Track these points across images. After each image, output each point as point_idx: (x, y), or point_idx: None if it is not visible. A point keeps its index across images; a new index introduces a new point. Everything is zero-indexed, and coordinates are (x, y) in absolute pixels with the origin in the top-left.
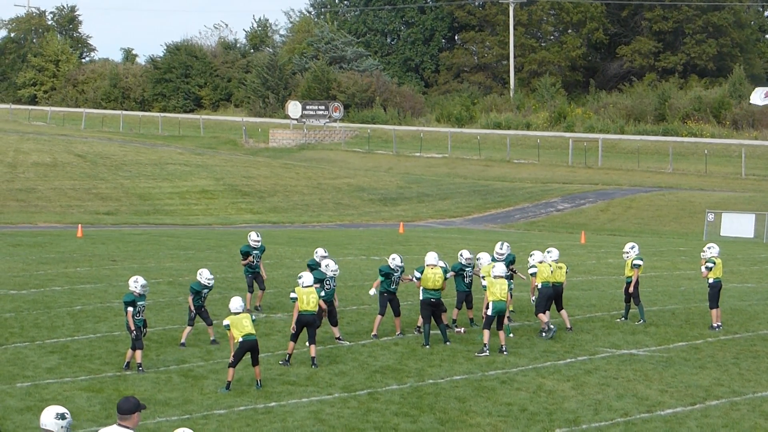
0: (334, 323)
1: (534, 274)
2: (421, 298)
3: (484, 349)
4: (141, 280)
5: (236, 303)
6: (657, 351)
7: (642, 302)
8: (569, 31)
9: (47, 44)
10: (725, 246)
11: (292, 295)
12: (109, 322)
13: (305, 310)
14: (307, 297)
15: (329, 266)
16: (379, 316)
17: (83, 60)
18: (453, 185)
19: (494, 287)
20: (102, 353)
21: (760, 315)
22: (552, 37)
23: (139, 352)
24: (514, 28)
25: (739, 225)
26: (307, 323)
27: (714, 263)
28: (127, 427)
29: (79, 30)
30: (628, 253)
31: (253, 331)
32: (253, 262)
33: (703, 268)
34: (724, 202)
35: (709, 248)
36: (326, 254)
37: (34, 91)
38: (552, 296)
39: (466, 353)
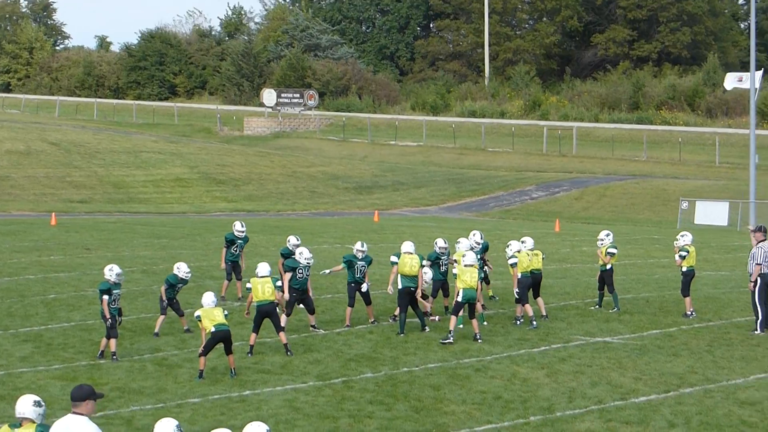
0: (311, 311)
1: (514, 265)
2: (399, 286)
3: (449, 336)
4: (116, 269)
5: (208, 298)
6: (631, 339)
7: (616, 290)
8: (544, 19)
9: (21, 32)
10: (699, 234)
11: (248, 285)
12: (83, 310)
13: (261, 300)
14: (262, 287)
15: (303, 254)
16: (349, 308)
17: (57, 48)
18: (428, 173)
19: (465, 275)
20: (76, 342)
21: (733, 303)
22: (527, 25)
23: (113, 341)
24: (489, 16)
25: (712, 213)
26: (266, 313)
27: (687, 252)
28: (81, 414)
29: (53, 17)
30: (602, 240)
31: (225, 322)
32: (236, 251)
33: (676, 257)
34: (698, 190)
35: (682, 236)
36: (299, 242)
37: (7, 79)
38: (531, 285)
39: (440, 341)
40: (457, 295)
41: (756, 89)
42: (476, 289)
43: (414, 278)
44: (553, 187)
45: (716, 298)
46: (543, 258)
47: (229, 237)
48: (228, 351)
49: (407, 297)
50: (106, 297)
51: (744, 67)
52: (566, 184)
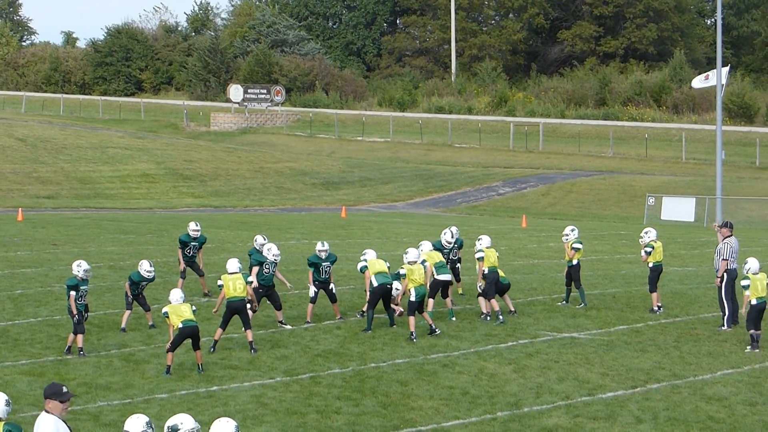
0: (278, 307)
1: (481, 259)
2: (375, 283)
3: (412, 336)
4: (84, 265)
5: (176, 295)
6: (598, 334)
7: (583, 286)
8: (510, 15)
9: None
10: (666, 229)
11: (219, 282)
12: (50, 306)
13: (233, 296)
14: (234, 283)
15: (271, 250)
16: (310, 305)
17: (23, 43)
18: (395, 169)
19: (413, 274)
20: (43, 337)
21: (700, 298)
22: (493, 21)
23: (80, 337)
24: (456, 12)
25: (679, 209)
26: (237, 309)
27: (653, 247)
28: (48, 412)
29: (19, 13)
30: (567, 235)
31: (193, 318)
32: (190, 253)
33: (642, 253)
34: (664, 186)
35: (646, 233)
36: (265, 241)
37: None
38: (498, 280)
39: (408, 336)
40: (410, 295)
41: (722, 85)
42: (425, 286)
43: (386, 275)
44: (520, 183)
45: (683, 294)
46: (498, 256)
47: (184, 238)
48: (196, 347)
49: (380, 295)
50: (73, 293)
51: (710, 63)
52: (533, 180)
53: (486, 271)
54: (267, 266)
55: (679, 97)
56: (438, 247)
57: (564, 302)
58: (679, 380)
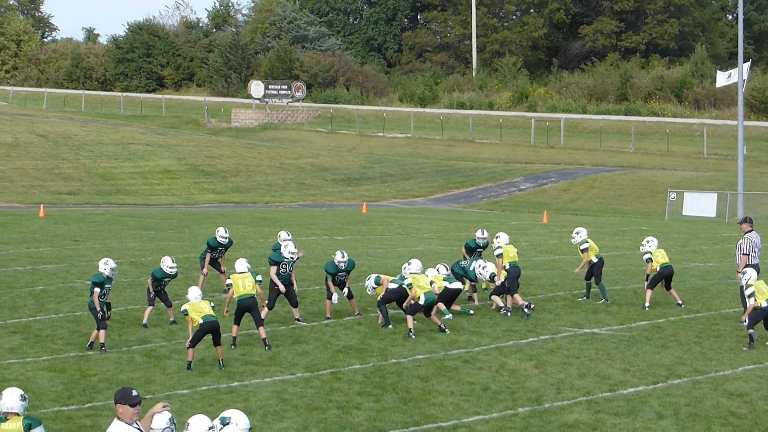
0: (294, 305)
1: (500, 255)
2: (393, 286)
3: (411, 333)
4: (111, 263)
5: (194, 293)
6: (619, 330)
7: (603, 282)
8: (531, 11)
9: (8, 24)
10: (687, 225)
11: (228, 281)
12: (72, 302)
13: (243, 294)
14: (243, 281)
15: (288, 248)
16: (328, 301)
17: (45, 40)
18: (416, 165)
19: (419, 281)
20: (64, 333)
21: (722, 294)
22: (514, 17)
23: (102, 332)
24: (477, 8)
25: (701, 204)
26: (247, 307)
27: (651, 253)
28: (119, 418)
29: (40, 9)
30: (574, 238)
31: (213, 313)
32: (216, 256)
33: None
34: (686, 181)
35: (648, 242)
36: (289, 237)
37: None
38: (518, 275)
39: (428, 333)
40: (419, 299)
41: (744, 81)
42: (434, 292)
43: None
44: (541, 178)
45: (705, 290)
46: (517, 252)
47: (212, 242)
48: (216, 342)
49: (395, 298)
50: (97, 290)
51: (731, 58)
52: (554, 176)
53: (507, 267)
54: (284, 265)
55: (701, 92)
56: (472, 245)
57: (585, 298)
58: (701, 376)
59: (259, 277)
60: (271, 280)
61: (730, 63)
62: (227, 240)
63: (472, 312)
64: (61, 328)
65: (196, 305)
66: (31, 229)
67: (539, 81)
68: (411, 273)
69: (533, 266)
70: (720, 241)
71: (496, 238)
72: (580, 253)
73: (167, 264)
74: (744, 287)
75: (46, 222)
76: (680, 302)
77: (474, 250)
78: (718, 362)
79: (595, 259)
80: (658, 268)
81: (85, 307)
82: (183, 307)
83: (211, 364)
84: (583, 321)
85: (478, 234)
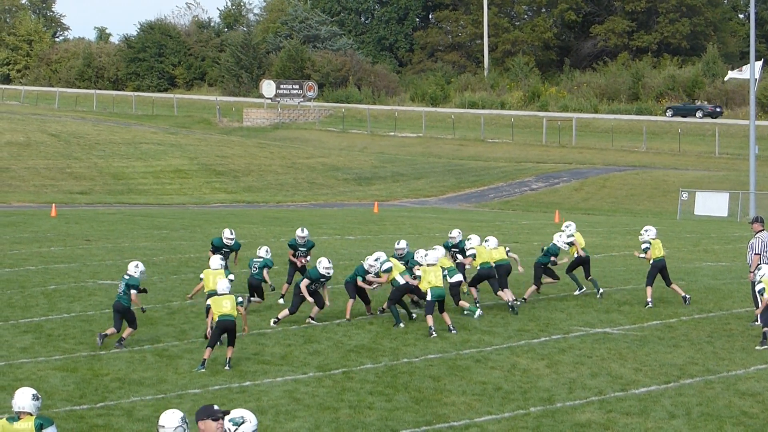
0: (320, 306)
1: (473, 256)
2: (402, 281)
3: (431, 331)
4: (141, 266)
5: (223, 285)
6: (631, 330)
7: (610, 281)
8: (543, 11)
9: (20, 24)
10: (699, 225)
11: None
12: (83, 301)
13: (223, 314)
14: (221, 301)
15: (322, 263)
16: (351, 300)
17: (57, 39)
18: (427, 164)
19: (429, 275)
20: (76, 333)
21: (734, 294)
22: (525, 17)
23: (130, 330)
24: (488, 8)
25: (713, 204)
26: (226, 328)
27: (650, 244)
28: None
29: (52, 9)
30: (564, 231)
31: (232, 313)
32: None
33: (642, 253)
34: (698, 181)
35: (646, 230)
36: (304, 234)
37: (7, 71)
38: (490, 276)
39: (440, 332)
40: (427, 294)
41: (756, 80)
42: (443, 287)
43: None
44: (553, 178)
45: (716, 289)
46: (508, 252)
47: (217, 242)
48: (230, 342)
49: (404, 292)
50: (134, 291)
51: (743, 57)
52: (566, 175)
53: (479, 268)
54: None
55: (712, 91)
56: (447, 245)
57: (579, 290)
58: (713, 375)
59: (231, 277)
60: (297, 286)
61: (742, 62)
62: (233, 242)
63: (474, 313)
64: (73, 328)
65: (219, 302)
66: (43, 229)
67: (551, 80)
68: (428, 264)
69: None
70: (732, 241)
71: (468, 239)
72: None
73: (226, 235)
74: (756, 283)
75: (58, 221)
76: (684, 295)
77: (449, 249)
78: (730, 362)
79: (582, 253)
80: (653, 260)
81: (98, 307)
82: (207, 302)
83: (223, 364)
84: (595, 320)
85: (451, 234)
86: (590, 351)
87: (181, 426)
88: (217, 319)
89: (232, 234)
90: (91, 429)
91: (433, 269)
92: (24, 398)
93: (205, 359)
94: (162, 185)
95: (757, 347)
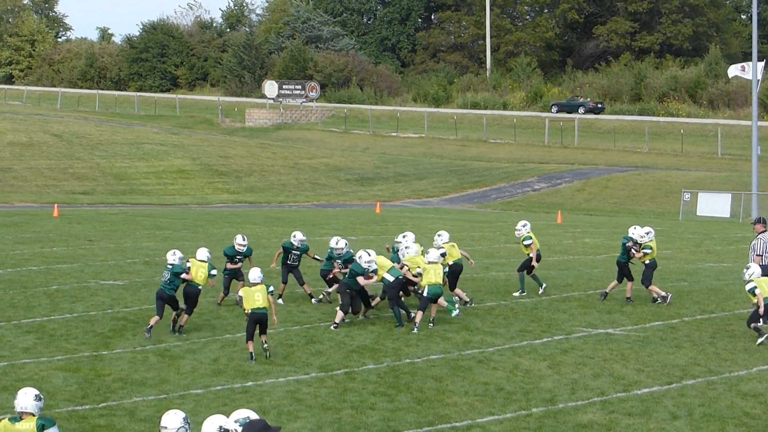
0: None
1: (444, 255)
2: (391, 278)
3: (415, 328)
4: (178, 253)
5: (255, 273)
6: (633, 330)
7: (613, 281)
8: (545, 11)
9: (23, 24)
10: (701, 225)
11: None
12: (86, 302)
13: (256, 307)
14: (254, 294)
15: (364, 258)
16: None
17: (59, 39)
18: (430, 165)
19: (429, 273)
20: (78, 333)
21: (736, 294)
22: (528, 17)
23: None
24: (490, 8)
25: (715, 204)
26: (259, 320)
27: (651, 248)
28: None
29: (55, 9)
30: (519, 230)
31: (264, 305)
32: (236, 264)
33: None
34: (700, 181)
35: (648, 233)
36: (304, 238)
37: (9, 71)
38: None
39: (442, 333)
40: (424, 291)
41: (758, 80)
42: (441, 285)
43: (396, 269)
44: (555, 178)
45: (719, 290)
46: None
47: (229, 251)
48: (262, 331)
49: (399, 288)
50: (184, 275)
51: (746, 57)
52: (568, 176)
53: (450, 263)
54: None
55: (715, 92)
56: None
57: (522, 291)
58: (715, 376)
59: (270, 288)
60: (343, 284)
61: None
62: (245, 248)
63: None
64: (75, 328)
65: (251, 295)
66: (46, 229)
67: (553, 81)
68: (429, 262)
69: (547, 266)
70: (734, 242)
71: (438, 235)
72: (523, 246)
73: (239, 242)
74: (746, 282)
75: (61, 222)
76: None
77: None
78: (732, 363)
79: (532, 254)
80: (647, 261)
81: (100, 307)
82: (239, 294)
83: (225, 364)
84: (597, 321)
85: (337, 244)
86: (592, 352)
87: (183, 426)
88: (249, 311)
89: (244, 240)
90: (94, 429)
91: (433, 267)
92: (26, 399)
93: (251, 352)
94: (164, 185)
95: (759, 341)
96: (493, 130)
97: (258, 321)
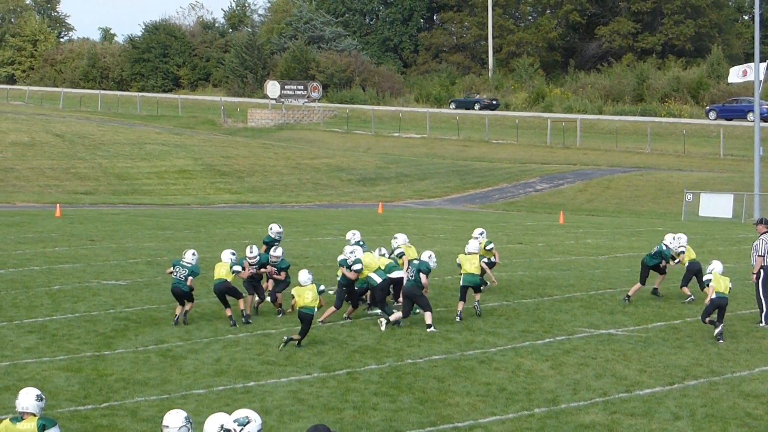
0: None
1: (401, 255)
2: (378, 280)
3: (458, 316)
4: (196, 254)
5: (303, 276)
6: (635, 331)
7: (617, 281)
8: (547, 12)
9: (25, 24)
10: (703, 226)
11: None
12: (88, 301)
13: (304, 306)
14: (304, 293)
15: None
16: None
17: (61, 39)
18: (432, 165)
19: (466, 263)
20: (80, 333)
21: (738, 295)
22: (530, 18)
23: (190, 305)
24: (493, 9)
25: (717, 205)
26: (304, 319)
27: (685, 248)
28: None
29: (57, 9)
30: (478, 238)
31: (312, 305)
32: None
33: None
34: (702, 182)
35: (678, 238)
36: (281, 230)
37: (12, 71)
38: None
39: (444, 333)
40: (461, 280)
41: (760, 81)
42: (478, 275)
43: (382, 270)
44: (557, 179)
45: None
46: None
47: (267, 240)
48: (302, 332)
49: (382, 291)
50: (191, 277)
51: (748, 58)
52: (570, 176)
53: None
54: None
55: (717, 93)
56: None
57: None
58: (717, 377)
59: (321, 287)
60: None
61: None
62: (281, 236)
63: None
64: (77, 328)
65: (302, 293)
66: (48, 229)
67: (555, 81)
68: (467, 252)
69: (549, 267)
70: (736, 242)
71: (394, 238)
72: (484, 251)
73: (275, 230)
74: (705, 275)
75: (63, 222)
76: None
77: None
78: (734, 363)
79: (495, 260)
80: (687, 263)
81: (102, 307)
82: (293, 291)
83: (228, 364)
84: (599, 322)
85: (275, 252)
86: (594, 352)
87: (185, 426)
88: (298, 309)
89: (280, 228)
90: (96, 429)
91: (469, 258)
92: (27, 399)
93: (294, 337)
94: (166, 186)
95: (716, 331)
96: (495, 131)
97: (302, 320)
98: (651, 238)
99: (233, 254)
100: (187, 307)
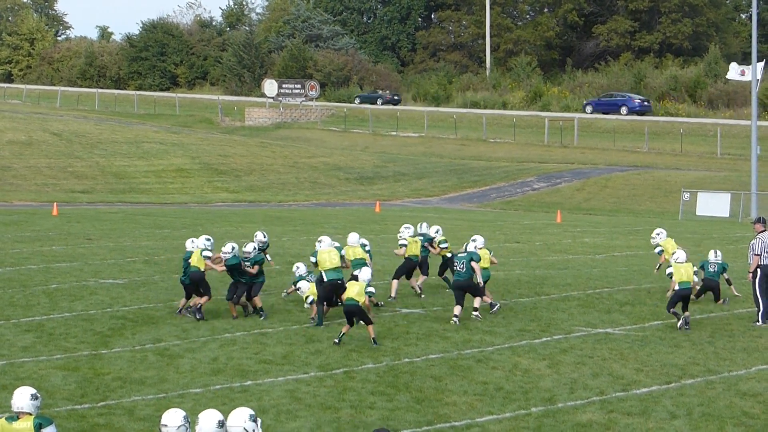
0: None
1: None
2: (326, 279)
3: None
4: (197, 241)
5: (365, 274)
6: (632, 330)
7: (616, 280)
8: (545, 11)
9: (22, 22)
10: (701, 225)
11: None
12: (85, 300)
13: (349, 298)
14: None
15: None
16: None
17: (59, 38)
18: (429, 164)
19: (485, 258)
20: (77, 332)
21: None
22: (528, 16)
23: (206, 298)
24: (490, 8)
25: (714, 204)
26: (351, 312)
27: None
28: None
29: (54, 8)
30: (435, 237)
31: (357, 298)
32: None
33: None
34: (699, 181)
35: (658, 234)
36: (265, 239)
37: (9, 69)
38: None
39: (441, 332)
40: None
41: (758, 80)
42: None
43: (338, 270)
44: (555, 178)
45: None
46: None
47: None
48: (366, 323)
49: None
50: (208, 261)
51: (746, 57)
52: (568, 175)
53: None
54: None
55: (714, 92)
56: None
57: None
58: (714, 376)
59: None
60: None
61: (744, 63)
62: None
63: (381, 303)
64: (74, 327)
65: (350, 287)
66: (45, 228)
67: (553, 80)
68: (478, 248)
69: (546, 266)
70: (733, 241)
71: (399, 233)
72: (440, 249)
73: (259, 238)
74: (669, 265)
75: (60, 220)
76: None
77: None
78: (731, 362)
79: (449, 255)
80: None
81: (99, 306)
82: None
83: (225, 363)
84: (596, 321)
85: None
86: (591, 351)
87: (183, 425)
88: (344, 301)
89: (265, 237)
90: (93, 428)
91: (484, 252)
92: (22, 398)
93: (343, 332)
94: (164, 184)
95: (678, 324)
96: (493, 130)
97: (348, 313)
98: (648, 237)
99: (208, 239)
100: (202, 300)
